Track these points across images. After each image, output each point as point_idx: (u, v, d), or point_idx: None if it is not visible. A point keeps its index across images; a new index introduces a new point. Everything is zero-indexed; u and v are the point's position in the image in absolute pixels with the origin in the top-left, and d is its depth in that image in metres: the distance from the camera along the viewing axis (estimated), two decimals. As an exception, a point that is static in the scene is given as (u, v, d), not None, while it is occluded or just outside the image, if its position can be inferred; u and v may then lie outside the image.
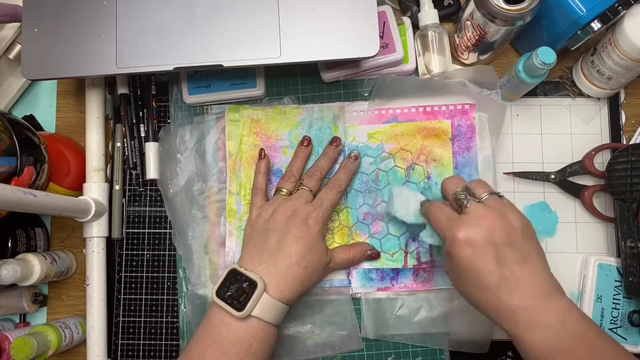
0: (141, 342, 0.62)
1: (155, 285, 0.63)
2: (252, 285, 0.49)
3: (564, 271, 0.60)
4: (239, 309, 0.48)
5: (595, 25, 0.52)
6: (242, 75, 0.62)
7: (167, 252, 0.63)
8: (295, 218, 0.53)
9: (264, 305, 0.49)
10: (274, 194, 0.57)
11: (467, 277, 0.45)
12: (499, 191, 0.49)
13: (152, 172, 0.62)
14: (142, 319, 0.62)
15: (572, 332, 0.43)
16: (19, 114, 0.66)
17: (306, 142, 0.59)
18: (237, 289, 0.49)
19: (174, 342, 0.62)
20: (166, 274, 0.63)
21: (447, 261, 0.47)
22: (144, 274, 0.63)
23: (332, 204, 0.56)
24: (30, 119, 0.66)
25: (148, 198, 0.64)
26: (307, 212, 0.54)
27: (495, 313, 0.44)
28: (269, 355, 0.51)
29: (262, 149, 0.60)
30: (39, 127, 0.66)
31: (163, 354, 0.62)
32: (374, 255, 0.59)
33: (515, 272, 0.44)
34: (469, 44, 0.59)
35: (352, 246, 0.58)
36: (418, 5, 0.61)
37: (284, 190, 0.56)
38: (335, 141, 0.59)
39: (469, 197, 0.47)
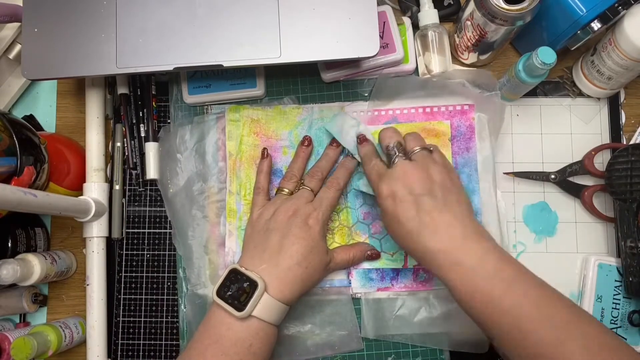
0: (141, 342, 0.62)
1: (155, 285, 0.63)
2: (253, 285, 0.49)
3: (564, 271, 0.61)
4: (240, 309, 0.48)
5: (595, 25, 0.52)
6: (242, 75, 0.62)
7: (167, 252, 0.63)
8: (296, 218, 0.53)
9: (264, 306, 0.49)
10: (275, 194, 0.57)
11: (394, 226, 0.49)
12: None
13: (152, 172, 0.62)
14: (142, 319, 0.62)
15: (490, 271, 0.44)
16: (19, 114, 0.66)
17: (307, 141, 0.59)
18: (237, 288, 0.49)
19: (174, 342, 0.62)
20: (166, 274, 0.63)
21: (380, 212, 0.51)
22: (144, 274, 0.63)
23: (331, 203, 0.56)
24: (30, 119, 0.66)
25: (148, 198, 0.64)
26: (307, 211, 0.54)
27: (421, 258, 0.47)
28: (269, 355, 0.51)
29: (265, 149, 0.60)
30: (39, 127, 0.66)
31: (163, 354, 0.62)
32: (374, 256, 0.59)
33: (435, 219, 0.47)
34: (469, 44, 0.59)
35: (352, 246, 0.58)
36: (418, 5, 0.61)
37: (285, 190, 0.56)
38: (335, 142, 0.59)
39: (398, 153, 0.51)
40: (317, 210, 0.54)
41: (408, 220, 0.47)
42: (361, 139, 0.56)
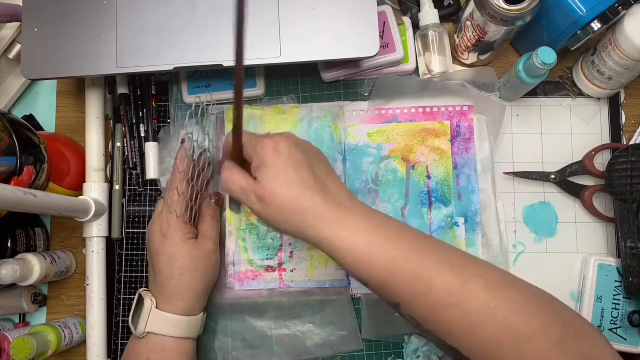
0: (141, 342, 0.62)
1: (155, 285, 0.63)
2: (142, 303, 0.52)
3: (564, 271, 0.61)
4: (135, 327, 0.51)
5: (595, 25, 0.52)
6: (242, 75, 0.62)
7: (166, 252, 0.63)
8: (152, 234, 0.53)
9: (156, 321, 0.51)
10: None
11: (287, 186, 0.43)
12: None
13: (152, 172, 0.62)
14: (142, 319, 0.62)
15: (377, 223, 0.43)
16: (18, 113, 0.66)
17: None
18: (138, 310, 0.52)
19: (174, 342, 0.62)
20: (166, 274, 0.63)
21: (261, 187, 0.44)
22: (144, 274, 0.63)
23: (174, 200, 0.53)
24: (30, 118, 0.66)
25: (148, 198, 0.64)
26: (158, 224, 0.53)
27: (312, 219, 0.43)
28: None
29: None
30: (38, 127, 0.66)
31: (163, 354, 0.62)
32: (217, 201, 0.58)
33: (323, 178, 0.45)
34: (469, 44, 0.59)
35: (202, 217, 0.57)
36: (418, 5, 0.61)
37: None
38: (182, 140, 0.57)
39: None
40: (167, 218, 0.53)
41: (305, 171, 0.44)
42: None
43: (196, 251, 0.53)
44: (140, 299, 0.52)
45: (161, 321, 0.51)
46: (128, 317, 0.53)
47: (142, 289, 0.54)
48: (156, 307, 0.51)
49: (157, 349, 0.51)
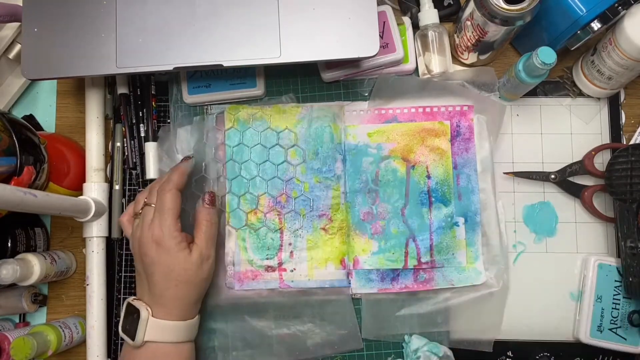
0: (141, 342, 0.62)
1: (155, 285, 0.63)
2: (138, 314, 0.51)
3: (564, 271, 0.61)
4: (133, 338, 0.50)
5: (595, 25, 0.52)
6: (242, 75, 0.62)
7: (167, 252, 0.63)
8: (146, 246, 0.51)
9: (155, 329, 0.51)
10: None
11: None
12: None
13: (152, 172, 0.62)
14: (142, 319, 0.62)
15: None
16: (18, 113, 0.66)
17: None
18: (131, 320, 0.51)
19: (174, 342, 0.62)
20: (166, 274, 0.63)
21: None
22: (144, 274, 0.63)
23: (169, 207, 0.52)
24: (30, 118, 0.66)
25: (148, 198, 0.64)
26: (152, 233, 0.51)
27: None
28: None
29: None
30: (38, 127, 0.66)
31: (163, 354, 0.62)
32: (211, 200, 0.55)
33: None
34: (468, 44, 0.59)
35: (197, 223, 0.54)
36: (418, 5, 0.61)
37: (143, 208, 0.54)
38: (186, 158, 0.57)
39: None
40: (159, 225, 0.51)
41: None
42: None
43: (190, 263, 0.51)
44: (132, 309, 0.52)
45: (160, 329, 0.51)
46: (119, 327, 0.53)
47: (131, 298, 0.53)
48: (152, 316, 0.51)
49: (159, 356, 0.51)
